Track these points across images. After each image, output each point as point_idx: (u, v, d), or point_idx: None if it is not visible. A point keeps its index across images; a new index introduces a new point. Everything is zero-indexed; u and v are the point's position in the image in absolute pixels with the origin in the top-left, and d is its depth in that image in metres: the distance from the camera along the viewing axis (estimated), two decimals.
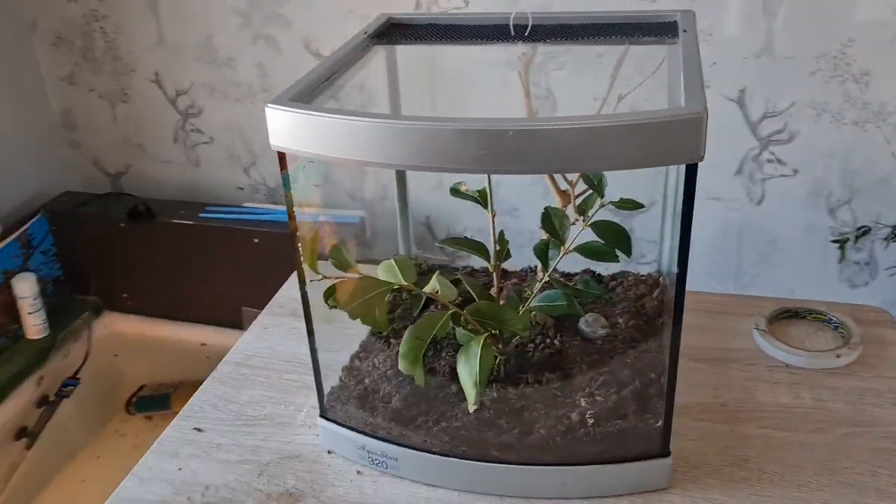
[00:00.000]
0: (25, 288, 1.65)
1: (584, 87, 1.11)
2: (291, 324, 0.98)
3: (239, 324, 1.70)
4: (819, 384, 0.84)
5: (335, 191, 1.75)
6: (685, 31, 0.74)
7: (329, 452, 0.79)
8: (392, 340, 0.82)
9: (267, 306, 1.03)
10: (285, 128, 0.62)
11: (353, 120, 0.59)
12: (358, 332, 0.83)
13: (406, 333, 0.71)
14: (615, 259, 0.76)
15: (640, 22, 0.81)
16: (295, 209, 0.69)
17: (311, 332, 0.75)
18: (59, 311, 1.76)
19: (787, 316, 0.94)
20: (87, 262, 1.83)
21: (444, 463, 0.72)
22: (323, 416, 0.78)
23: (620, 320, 0.82)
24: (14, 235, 1.68)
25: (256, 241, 1.65)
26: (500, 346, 0.79)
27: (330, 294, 0.73)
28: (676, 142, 0.56)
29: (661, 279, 0.89)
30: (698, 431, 0.78)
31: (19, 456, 1.61)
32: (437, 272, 0.78)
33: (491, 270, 0.81)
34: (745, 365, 0.87)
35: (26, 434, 1.63)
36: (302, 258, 0.72)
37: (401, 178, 0.95)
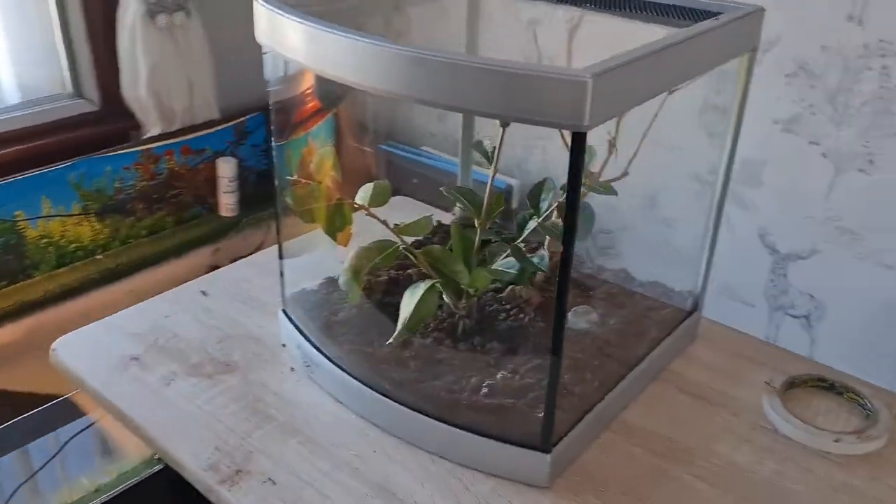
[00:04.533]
0: (226, 169, 1.89)
1: None
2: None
3: None
4: (797, 461, 0.71)
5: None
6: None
7: (283, 345, 0.84)
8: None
9: None
10: (266, 25, 0.67)
11: (306, 25, 0.62)
12: None
13: (355, 250, 0.75)
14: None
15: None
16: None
17: (279, 231, 0.81)
18: (253, 199, 2.00)
19: (820, 386, 0.80)
20: None
21: (348, 382, 0.74)
22: (283, 310, 0.84)
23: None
24: (233, 122, 1.93)
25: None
26: (461, 301, 0.79)
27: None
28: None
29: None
30: (620, 452, 0.71)
31: None
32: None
33: (476, 225, 0.80)
34: (730, 414, 0.77)
35: None
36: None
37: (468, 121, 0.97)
